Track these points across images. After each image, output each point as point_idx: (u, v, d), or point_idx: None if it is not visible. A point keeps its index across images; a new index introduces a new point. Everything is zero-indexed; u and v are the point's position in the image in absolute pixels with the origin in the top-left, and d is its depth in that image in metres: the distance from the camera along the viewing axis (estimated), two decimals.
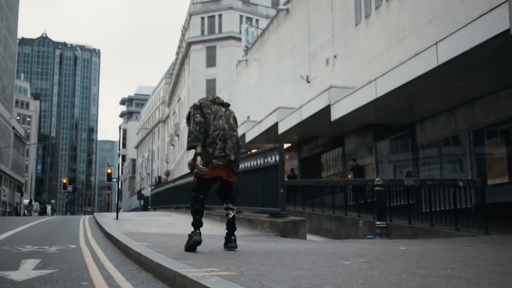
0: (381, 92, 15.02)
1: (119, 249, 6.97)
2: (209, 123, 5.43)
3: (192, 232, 5.39)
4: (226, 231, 5.71)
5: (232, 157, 5.38)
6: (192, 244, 5.35)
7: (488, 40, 10.56)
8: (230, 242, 5.59)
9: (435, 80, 13.44)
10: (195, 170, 5.38)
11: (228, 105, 5.79)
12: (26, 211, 57.45)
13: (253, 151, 11.50)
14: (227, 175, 5.57)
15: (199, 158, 5.27)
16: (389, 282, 3.12)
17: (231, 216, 5.65)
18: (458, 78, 13.22)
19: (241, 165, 8.84)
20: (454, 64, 11.99)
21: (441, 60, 12.10)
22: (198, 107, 5.54)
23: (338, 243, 8.39)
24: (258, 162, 9.66)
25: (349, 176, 18.80)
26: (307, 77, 24.99)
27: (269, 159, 9.27)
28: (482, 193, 9.98)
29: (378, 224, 10.66)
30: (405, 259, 4.59)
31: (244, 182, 9.90)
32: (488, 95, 14.12)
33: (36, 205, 60.22)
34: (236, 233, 5.74)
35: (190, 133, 5.40)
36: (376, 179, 11.30)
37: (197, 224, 5.40)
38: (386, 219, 11.10)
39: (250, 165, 9.96)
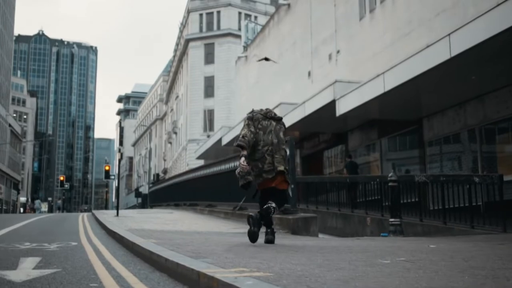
0: (390, 86, 14.55)
1: (124, 247, 6.57)
2: (259, 138, 5.78)
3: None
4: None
5: (282, 168, 5.71)
6: (248, 235, 5.51)
7: (504, 31, 10.15)
8: (266, 235, 5.69)
9: (446, 73, 13.02)
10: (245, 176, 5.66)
11: (280, 118, 6.08)
12: (27, 209, 57.71)
13: None
14: (278, 184, 5.78)
15: (243, 158, 5.61)
16: (457, 285, 2.67)
17: (267, 206, 5.51)
18: (470, 71, 12.80)
19: None
20: (467, 56, 11.57)
21: (454, 52, 11.68)
22: (251, 119, 5.92)
23: (357, 240, 7.97)
24: None
25: (345, 172, 18.33)
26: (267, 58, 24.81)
27: None
28: (500, 189, 9.56)
29: (392, 221, 10.24)
30: (449, 258, 4.15)
31: None
32: (500, 89, 13.69)
33: (37, 203, 60.72)
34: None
35: (244, 135, 5.73)
36: (390, 175, 10.86)
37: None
38: (400, 216, 10.67)
39: None
